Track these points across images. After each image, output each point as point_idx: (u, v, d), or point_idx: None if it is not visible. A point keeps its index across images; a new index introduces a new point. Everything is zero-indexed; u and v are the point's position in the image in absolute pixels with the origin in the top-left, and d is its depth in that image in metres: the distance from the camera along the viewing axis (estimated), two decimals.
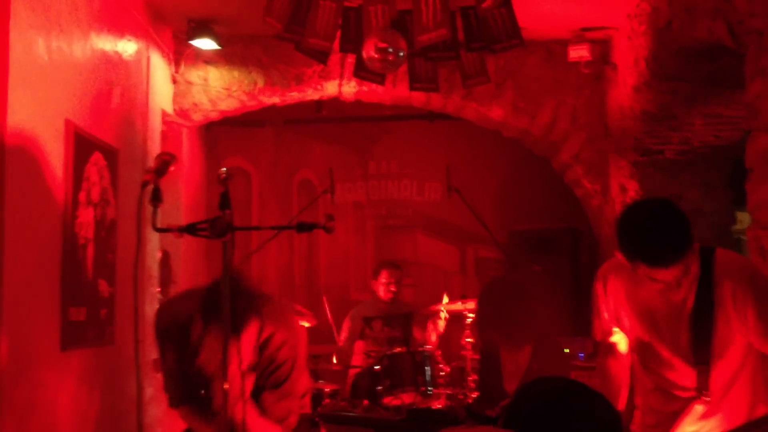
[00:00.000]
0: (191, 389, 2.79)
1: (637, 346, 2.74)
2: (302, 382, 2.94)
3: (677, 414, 2.56)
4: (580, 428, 1.66)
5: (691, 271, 2.46)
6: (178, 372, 2.80)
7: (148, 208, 2.41)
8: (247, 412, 2.67)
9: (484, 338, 4.38)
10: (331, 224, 2.46)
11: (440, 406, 4.60)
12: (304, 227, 2.48)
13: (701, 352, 2.50)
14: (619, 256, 2.49)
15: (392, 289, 5.73)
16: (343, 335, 5.83)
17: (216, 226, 2.32)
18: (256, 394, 2.81)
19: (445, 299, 5.20)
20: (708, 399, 2.51)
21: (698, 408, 2.53)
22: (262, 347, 2.79)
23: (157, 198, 2.35)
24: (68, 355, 3.75)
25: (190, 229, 2.39)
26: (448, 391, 4.80)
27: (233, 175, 2.56)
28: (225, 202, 2.33)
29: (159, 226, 2.45)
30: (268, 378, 2.81)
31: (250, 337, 2.70)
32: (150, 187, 2.37)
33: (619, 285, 2.72)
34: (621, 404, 2.83)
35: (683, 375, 2.57)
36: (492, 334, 4.15)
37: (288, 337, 2.82)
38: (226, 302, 2.28)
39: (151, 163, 2.54)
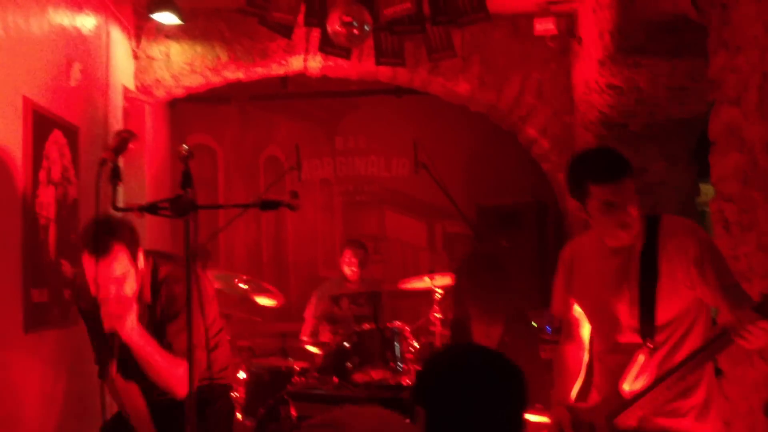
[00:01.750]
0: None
1: (592, 310, 2.83)
2: (210, 316, 3.01)
3: (624, 364, 2.64)
4: (484, 394, 1.67)
5: (636, 225, 2.62)
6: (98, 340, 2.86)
7: (109, 187, 2.36)
8: (150, 346, 2.77)
9: (459, 311, 4.42)
10: (296, 202, 2.44)
11: (410, 382, 4.61)
12: (268, 205, 2.45)
13: (647, 301, 2.62)
14: (572, 204, 2.67)
15: (353, 268, 5.72)
16: (309, 312, 5.80)
17: (177, 204, 2.28)
18: (160, 330, 2.86)
19: (427, 280, 5.18)
20: (651, 346, 2.60)
21: (641, 357, 2.61)
22: (160, 284, 2.88)
23: (116, 176, 2.31)
24: (32, 337, 3.69)
25: (152, 209, 2.35)
26: (418, 368, 4.81)
27: (194, 152, 2.50)
28: (187, 180, 2.29)
29: (121, 205, 2.40)
30: (167, 311, 2.87)
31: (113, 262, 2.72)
32: (109, 166, 2.31)
33: (577, 260, 2.87)
34: (572, 385, 2.89)
35: (631, 329, 2.67)
36: (468, 306, 4.20)
37: (181, 275, 2.83)
38: (189, 284, 2.25)
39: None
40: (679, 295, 2.61)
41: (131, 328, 2.71)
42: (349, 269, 5.75)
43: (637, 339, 2.64)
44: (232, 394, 3.33)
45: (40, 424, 3.76)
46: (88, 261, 2.70)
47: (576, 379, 2.92)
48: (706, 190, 5.32)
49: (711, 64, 3.53)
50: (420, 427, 1.68)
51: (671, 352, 2.62)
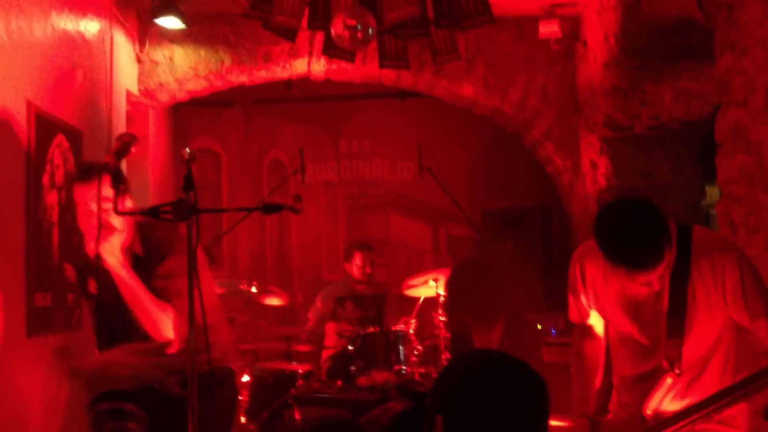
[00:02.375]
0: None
1: (613, 326, 2.73)
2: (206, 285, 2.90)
3: (648, 379, 2.56)
4: (506, 403, 1.62)
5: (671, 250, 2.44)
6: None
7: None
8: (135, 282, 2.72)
9: (454, 319, 4.39)
10: (299, 205, 2.42)
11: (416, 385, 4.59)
12: (271, 208, 2.44)
13: (675, 326, 2.49)
14: (577, 209, 2.54)
15: (368, 271, 5.68)
16: (312, 314, 5.79)
17: (179, 208, 2.27)
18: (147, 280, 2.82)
19: (432, 283, 5.15)
20: (678, 372, 2.51)
21: (668, 380, 2.52)
22: (146, 231, 2.86)
23: (118, 180, 2.29)
24: (35, 341, 3.68)
25: (153, 212, 2.34)
26: (422, 370, 4.80)
27: (198, 156, 2.50)
28: (189, 183, 2.28)
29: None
30: (153, 255, 2.84)
31: None
32: (111, 170, 2.30)
33: (596, 267, 2.69)
34: (596, 385, 2.83)
35: (658, 351, 2.57)
36: (462, 315, 4.16)
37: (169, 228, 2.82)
38: (191, 289, 2.24)
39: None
40: (711, 318, 2.49)
41: (117, 258, 2.68)
42: (362, 272, 5.67)
43: (663, 362, 2.53)
44: (236, 379, 3.21)
45: (42, 429, 3.75)
46: (78, 190, 2.74)
47: (596, 376, 2.82)
48: (712, 192, 5.30)
49: (717, 66, 3.51)
50: None
51: (698, 374, 2.54)
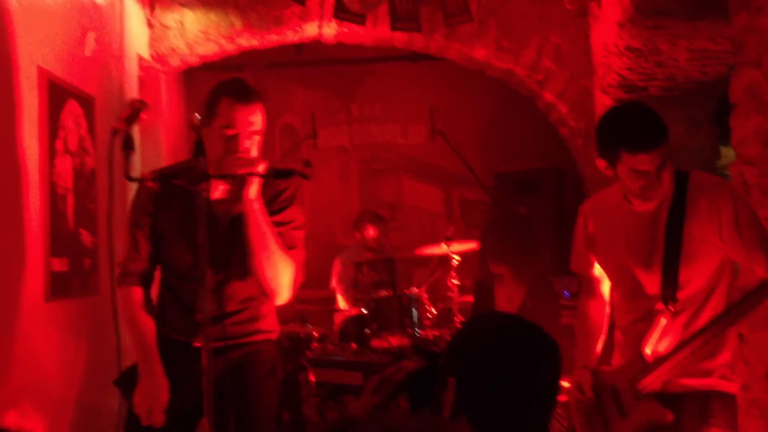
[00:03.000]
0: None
1: (614, 272, 2.78)
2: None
3: (645, 325, 2.62)
4: (519, 366, 1.64)
5: (665, 187, 2.53)
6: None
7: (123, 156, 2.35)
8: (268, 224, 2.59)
9: (483, 272, 4.43)
10: (309, 170, 2.42)
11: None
12: (281, 174, 2.44)
13: (670, 265, 2.56)
14: (601, 164, 2.59)
15: (381, 241, 5.71)
16: (335, 279, 5.83)
17: (190, 174, 2.27)
18: None
19: (444, 246, 5.17)
20: (673, 309, 2.55)
21: (663, 321, 2.57)
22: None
23: (128, 146, 2.29)
24: (53, 306, 3.73)
25: (165, 180, 2.35)
26: (435, 333, 4.84)
27: (206, 121, 2.50)
28: (199, 149, 2.28)
29: (136, 174, 2.40)
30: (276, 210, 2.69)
31: None
32: (122, 136, 2.30)
33: (599, 217, 2.80)
34: (598, 344, 2.87)
35: (654, 291, 2.62)
36: (493, 268, 4.20)
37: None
38: (204, 253, 2.25)
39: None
40: (707, 257, 2.55)
41: (255, 192, 2.53)
42: (376, 242, 5.69)
43: (659, 302, 2.59)
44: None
45: (61, 392, 3.82)
46: (227, 106, 2.58)
47: (599, 337, 2.88)
48: (727, 153, 5.25)
49: (732, 25, 3.47)
50: (450, 396, 1.66)
51: (695, 314, 2.59)
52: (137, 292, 2.72)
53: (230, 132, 2.58)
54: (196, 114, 2.37)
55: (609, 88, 5.39)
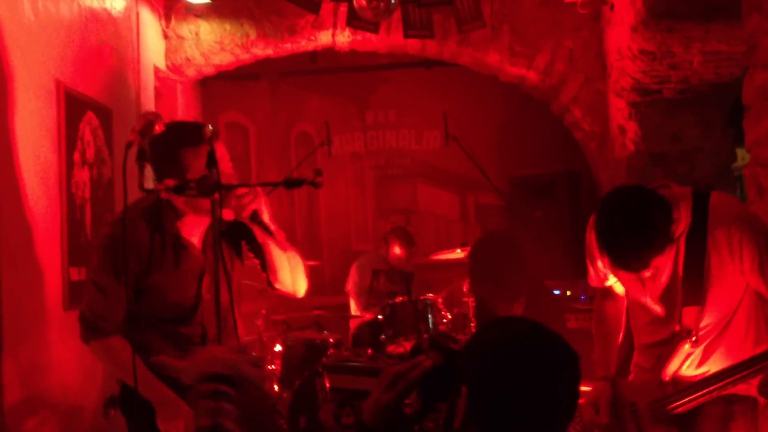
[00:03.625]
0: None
1: (631, 298, 2.74)
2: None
3: (665, 344, 2.57)
4: (535, 377, 1.55)
5: (683, 218, 2.45)
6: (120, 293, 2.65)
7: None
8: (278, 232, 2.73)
9: (477, 293, 4.41)
10: (320, 179, 2.43)
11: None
12: (292, 183, 2.46)
13: (690, 293, 2.49)
14: (606, 175, 2.55)
15: (402, 256, 5.61)
16: (351, 287, 5.82)
17: (203, 184, 2.30)
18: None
19: (459, 251, 5.16)
20: (695, 339, 2.51)
21: (686, 347, 2.53)
22: None
23: (142, 158, 2.32)
24: (72, 315, 3.74)
25: (178, 189, 2.37)
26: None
27: (226, 130, 2.52)
28: (211, 160, 2.31)
29: (150, 185, 2.43)
30: None
31: None
32: (135, 148, 2.33)
33: None
34: (617, 346, 2.85)
35: (673, 319, 2.57)
36: (484, 290, 4.17)
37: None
38: (217, 265, 2.28)
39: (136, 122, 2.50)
40: (727, 285, 2.48)
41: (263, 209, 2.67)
42: (399, 261, 5.62)
43: (678, 327, 2.53)
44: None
45: (80, 400, 3.87)
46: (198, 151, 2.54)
47: (617, 336, 2.84)
48: (743, 155, 5.23)
49: (744, 28, 3.46)
50: (462, 405, 1.58)
51: (717, 340, 2.54)
52: (115, 342, 2.65)
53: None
54: (209, 126, 2.39)
55: (623, 91, 5.38)
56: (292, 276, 2.78)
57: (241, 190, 2.57)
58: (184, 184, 2.38)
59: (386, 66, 7.12)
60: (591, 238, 2.75)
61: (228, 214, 2.59)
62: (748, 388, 2.55)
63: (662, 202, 2.42)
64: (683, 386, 2.54)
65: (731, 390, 2.52)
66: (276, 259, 2.72)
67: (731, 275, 2.47)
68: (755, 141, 3.43)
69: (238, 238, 2.81)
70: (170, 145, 2.54)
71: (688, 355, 2.54)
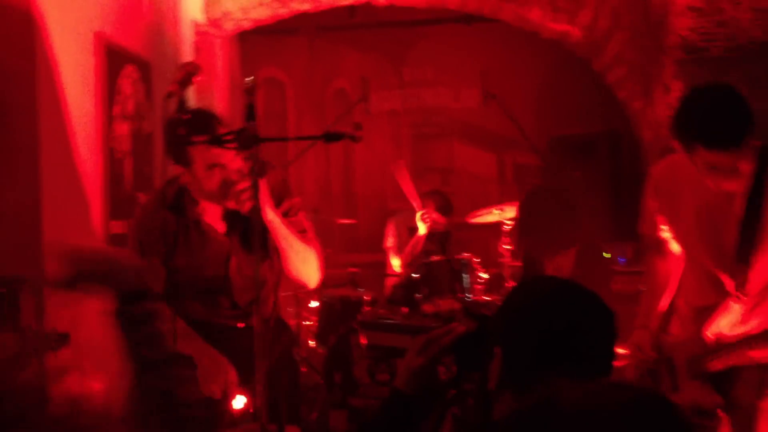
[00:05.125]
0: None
1: (683, 245, 2.68)
2: None
3: (713, 308, 2.53)
4: (570, 335, 1.52)
5: (746, 167, 2.37)
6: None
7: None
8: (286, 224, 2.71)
9: (525, 246, 4.39)
10: (360, 133, 2.40)
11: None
12: (331, 137, 2.43)
13: (745, 250, 2.43)
14: (676, 145, 2.42)
15: (440, 221, 5.52)
16: (389, 240, 5.78)
17: (242, 137, 2.28)
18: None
19: (496, 212, 5.10)
20: (744, 296, 2.46)
21: (735, 307, 2.49)
22: None
23: (182, 109, 2.31)
24: None
25: (216, 141, 2.37)
26: (486, 298, 4.83)
27: (263, 86, 2.50)
28: (251, 113, 2.29)
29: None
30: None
31: None
32: (175, 99, 2.32)
33: (669, 183, 2.66)
34: (663, 305, 2.80)
35: (724, 276, 2.53)
36: (534, 242, 4.16)
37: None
38: (258, 220, 2.27)
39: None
40: None
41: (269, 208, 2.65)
42: (432, 221, 5.52)
43: (729, 283, 2.49)
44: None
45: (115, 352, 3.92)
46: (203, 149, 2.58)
47: (664, 295, 2.78)
48: None
49: None
50: (496, 367, 1.57)
51: (763, 299, 2.48)
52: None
53: (217, 170, 2.61)
54: (248, 78, 2.37)
55: (669, 49, 5.25)
56: (303, 268, 2.79)
57: (241, 185, 2.56)
58: (222, 135, 2.37)
59: (424, 21, 7.01)
60: (648, 186, 2.73)
61: (232, 205, 2.63)
62: None
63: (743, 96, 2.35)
64: (724, 344, 2.51)
65: (767, 358, 2.50)
66: (285, 251, 2.72)
67: None
68: None
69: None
70: (180, 134, 2.56)
71: (733, 313, 2.50)
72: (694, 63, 5.17)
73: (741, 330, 2.53)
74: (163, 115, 2.26)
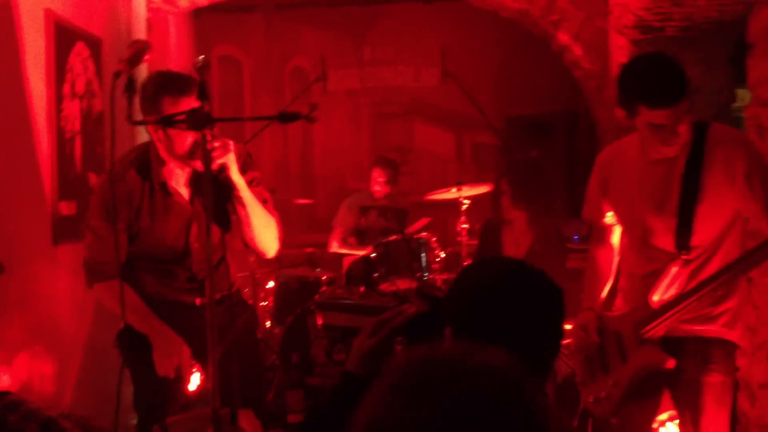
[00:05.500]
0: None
1: (626, 220, 2.78)
2: None
3: (656, 274, 2.60)
4: (518, 315, 1.56)
5: (685, 133, 2.50)
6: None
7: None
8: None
9: (496, 215, 4.46)
10: (315, 114, 2.37)
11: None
12: (287, 117, 2.40)
13: (685, 213, 2.55)
14: (620, 113, 2.60)
15: (387, 191, 5.60)
16: (337, 220, 5.80)
17: (194, 117, 2.24)
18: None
19: (455, 191, 5.12)
20: (687, 257, 2.55)
21: (674, 270, 2.57)
22: None
23: (131, 89, 2.26)
24: (61, 249, 3.75)
25: (167, 121, 2.32)
26: (444, 277, 4.84)
27: (220, 64, 2.46)
28: (202, 92, 2.24)
29: (139, 117, 2.37)
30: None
31: None
32: (124, 78, 2.27)
33: (615, 166, 2.78)
34: (604, 289, 2.87)
35: (666, 240, 2.61)
36: (513, 210, 4.24)
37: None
38: (208, 194, 2.23)
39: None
40: (721, 208, 2.54)
41: (236, 171, 2.64)
42: (381, 188, 5.63)
43: (671, 250, 2.58)
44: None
45: (71, 334, 3.87)
46: (171, 103, 2.59)
47: (606, 283, 2.89)
48: (742, 95, 5.15)
49: None
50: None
51: (705, 263, 2.58)
52: (116, 285, 2.65)
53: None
54: (200, 57, 2.32)
55: (625, 28, 5.27)
56: (263, 236, 2.79)
57: (212, 144, 2.50)
58: (173, 116, 2.32)
59: (384, 0, 6.96)
60: (594, 170, 2.86)
61: (199, 165, 2.58)
62: (727, 332, 2.58)
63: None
64: (667, 310, 2.58)
65: (711, 333, 2.56)
66: (244, 216, 2.71)
67: (724, 197, 2.52)
68: (758, 80, 3.38)
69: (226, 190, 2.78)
70: (152, 92, 2.60)
71: (675, 278, 2.58)
72: (649, 43, 5.20)
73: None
74: (111, 94, 2.20)
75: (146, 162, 2.76)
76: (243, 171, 2.71)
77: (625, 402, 2.66)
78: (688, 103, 2.43)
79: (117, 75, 2.31)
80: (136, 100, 2.35)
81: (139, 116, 2.49)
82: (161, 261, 2.86)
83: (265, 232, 2.78)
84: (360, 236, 5.49)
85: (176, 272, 2.88)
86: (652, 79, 2.45)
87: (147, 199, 2.77)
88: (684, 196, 2.55)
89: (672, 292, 2.58)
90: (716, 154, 2.51)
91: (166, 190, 2.77)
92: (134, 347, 2.74)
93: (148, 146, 2.78)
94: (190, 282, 2.88)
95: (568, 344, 2.98)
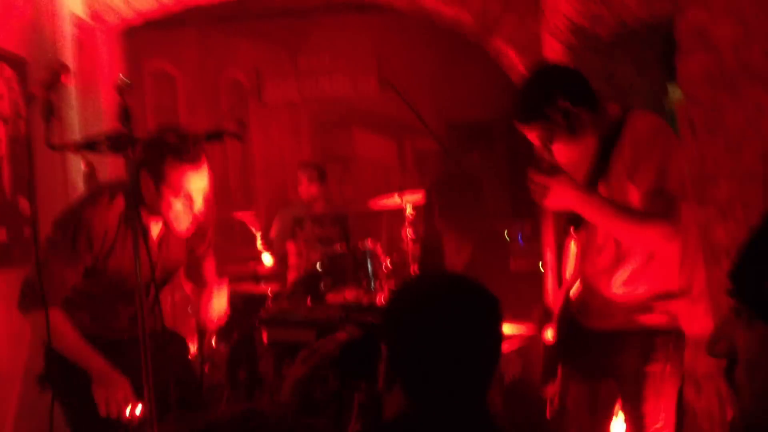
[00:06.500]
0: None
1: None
2: None
3: (604, 272, 2.67)
4: (452, 331, 1.56)
5: (590, 127, 2.58)
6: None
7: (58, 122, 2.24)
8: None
9: (429, 229, 4.42)
10: (242, 130, 2.35)
11: (384, 300, 4.62)
12: (211, 137, 2.37)
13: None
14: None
15: (314, 191, 5.64)
16: (272, 234, 5.78)
17: (116, 140, 2.17)
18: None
19: (398, 198, 5.10)
20: (574, 236, 2.67)
21: (572, 246, 2.70)
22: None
23: (49, 112, 2.18)
24: None
25: (89, 146, 2.25)
26: (392, 285, 4.82)
27: (153, 80, 2.40)
28: (125, 114, 2.18)
29: (55, 141, 2.28)
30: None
31: None
32: (41, 102, 2.19)
33: None
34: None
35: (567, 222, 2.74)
36: (439, 224, 4.21)
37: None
38: (135, 216, 2.17)
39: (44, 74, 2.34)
40: (622, 192, 2.55)
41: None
42: (307, 191, 5.71)
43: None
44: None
45: (8, 365, 3.74)
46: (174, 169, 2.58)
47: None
48: (675, 91, 5.26)
49: None
50: (383, 366, 1.61)
51: (649, 262, 2.60)
52: (59, 313, 2.66)
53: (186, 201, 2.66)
54: (120, 75, 2.25)
55: (557, 31, 5.33)
56: (216, 306, 3.03)
57: (201, 248, 2.90)
58: (94, 141, 2.25)
59: (318, 9, 6.92)
60: None
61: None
62: (671, 321, 2.61)
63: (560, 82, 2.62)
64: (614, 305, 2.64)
65: (654, 323, 2.58)
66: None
67: (623, 181, 2.54)
68: (687, 78, 3.43)
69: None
70: (156, 156, 2.58)
71: (577, 256, 2.70)
72: (583, 46, 5.27)
73: (625, 290, 2.60)
74: (27, 121, 2.13)
75: (134, 206, 2.59)
76: (196, 245, 2.91)
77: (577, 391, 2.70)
78: (549, 127, 2.53)
79: (29, 99, 2.25)
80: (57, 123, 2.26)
81: (57, 140, 2.39)
82: (105, 298, 2.79)
83: (218, 302, 3.03)
84: (297, 245, 5.46)
85: (118, 309, 2.81)
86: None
87: (120, 242, 2.71)
88: (588, 181, 2.60)
89: (616, 287, 2.63)
90: (625, 140, 2.55)
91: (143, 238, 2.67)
92: (70, 384, 2.65)
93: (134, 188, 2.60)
94: (131, 320, 2.81)
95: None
